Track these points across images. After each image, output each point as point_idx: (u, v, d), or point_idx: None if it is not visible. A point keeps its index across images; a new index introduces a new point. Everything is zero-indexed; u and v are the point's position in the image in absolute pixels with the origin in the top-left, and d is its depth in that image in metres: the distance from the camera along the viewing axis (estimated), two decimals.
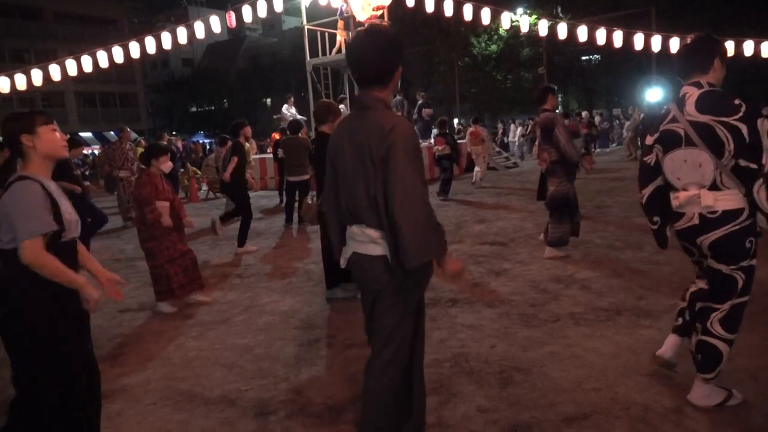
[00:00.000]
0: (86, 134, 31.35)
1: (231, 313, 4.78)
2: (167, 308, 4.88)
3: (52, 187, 2.26)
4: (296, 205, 8.76)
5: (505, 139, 21.89)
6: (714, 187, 2.53)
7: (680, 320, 2.99)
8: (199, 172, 15.07)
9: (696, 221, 2.61)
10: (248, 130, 7.45)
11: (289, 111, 14.19)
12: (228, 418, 2.98)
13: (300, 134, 8.94)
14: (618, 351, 3.43)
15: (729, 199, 2.52)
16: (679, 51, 2.85)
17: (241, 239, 7.10)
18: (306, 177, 8.71)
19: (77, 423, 2.32)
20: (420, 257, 2.01)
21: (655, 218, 2.88)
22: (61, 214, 2.22)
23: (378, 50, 2.10)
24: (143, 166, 5.00)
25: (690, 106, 2.57)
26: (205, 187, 14.61)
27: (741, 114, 2.44)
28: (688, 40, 2.83)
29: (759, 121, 2.44)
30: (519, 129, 21.81)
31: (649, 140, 2.77)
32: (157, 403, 3.23)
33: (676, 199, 2.67)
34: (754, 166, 2.44)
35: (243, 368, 3.61)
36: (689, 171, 2.59)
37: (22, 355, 2.22)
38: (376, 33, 2.13)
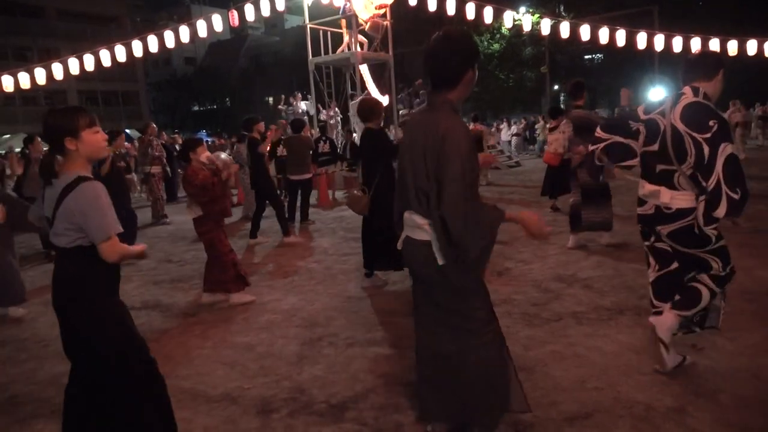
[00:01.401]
0: None
1: (233, 311, 4.79)
2: (243, 297, 4.93)
3: None
4: (297, 204, 8.78)
5: (501, 139, 21.83)
6: (672, 186, 2.83)
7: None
8: None
9: (652, 211, 2.95)
10: (261, 126, 7.68)
11: (300, 105, 14.24)
12: (230, 416, 2.99)
13: (302, 133, 8.94)
14: (620, 350, 3.44)
15: (683, 199, 2.81)
16: (689, 57, 3.08)
17: (284, 228, 7.43)
18: (308, 176, 8.73)
19: (149, 401, 2.40)
20: (478, 245, 2.13)
21: (605, 160, 3.19)
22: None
23: (448, 53, 2.19)
24: (183, 163, 5.03)
25: (677, 110, 2.79)
26: None
27: (709, 135, 2.65)
28: (696, 50, 3.05)
29: (722, 146, 2.63)
30: (513, 128, 21.81)
31: (642, 116, 3.01)
32: None
33: (643, 188, 3.00)
34: (704, 183, 2.68)
35: (245, 366, 3.61)
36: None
37: (96, 346, 2.27)
38: (447, 36, 2.22)
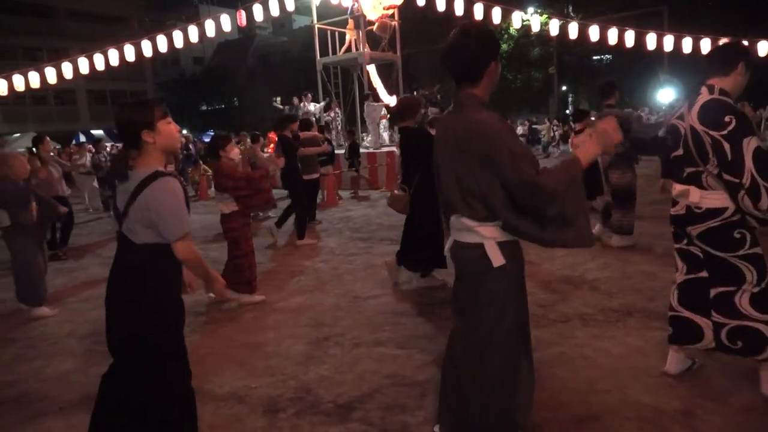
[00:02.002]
0: (98, 132, 31.51)
1: (241, 310, 4.80)
2: (251, 298, 4.95)
3: None
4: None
5: None
6: (701, 186, 2.77)
7: (671, 329, 3.03)
8: (209, 170, 15.13)
9: (683, 211, 2.87)
10: (295, 126, 7.69)
11: (311, 106, 14.27)
12: (237, 415, 3.00)
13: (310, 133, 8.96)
14: (628, 352, 3.42)
15: (713, 198, 2.74)
16: (708, 52, 3.01)
17: (300, 233, 7.38)
18: (316, 176, 8.74)
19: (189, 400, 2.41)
20: (576, 206, 2.03)
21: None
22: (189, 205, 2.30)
23: (469, 48, 2.15)
24: (209, 160, 5.06)
25: (694, 111, 2.75)
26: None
27: (726, 132, 2.59)
28: (719, 42, 2.98)
29: (745, 141, 2.56)
30: (519, 129, 21.75)
31: (667, 122, 3.05)
32: None
33: (674, 189, 2.94)
34: (736, 180, 2.59)
35: (252, 365, 3.62)
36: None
37: (143, 347, 2.24)
38: (467, 31, 2.18)
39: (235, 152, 4.99)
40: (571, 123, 18.58)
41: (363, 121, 15.53)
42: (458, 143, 2.15)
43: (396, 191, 5.05)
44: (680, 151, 2.83)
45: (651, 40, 11.18)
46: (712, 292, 2.82)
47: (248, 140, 8.67)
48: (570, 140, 9.17)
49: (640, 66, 27.30)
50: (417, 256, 5.03)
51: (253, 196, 4.85)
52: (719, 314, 2.79)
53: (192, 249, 2.22)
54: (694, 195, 2.78)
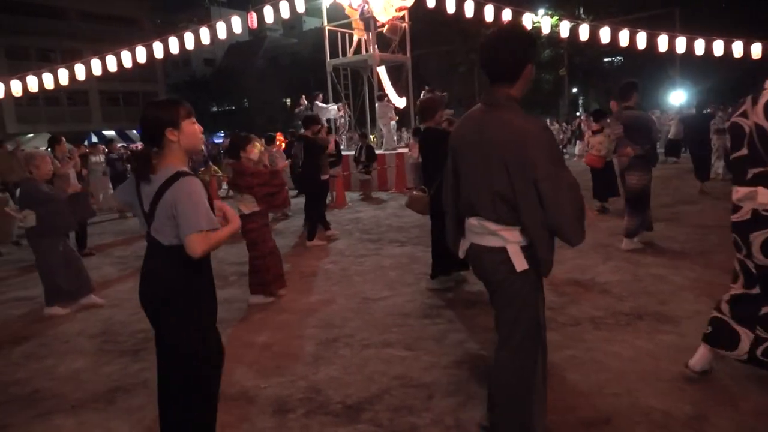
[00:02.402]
0: (109, 132, 31.79)
1: (250, 310, 4.82)
2: (259, 299, 4.98)
3: None
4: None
5: None
6: None
7: (711, 329, 2.95)
8: (220, 171, 15.20)
9: (748, 216, 2.65)
10: (316, 127, 7.72)
11: (330, 112, 14.33)
12: (247, 415, 3.01)
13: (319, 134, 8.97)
14: (638, 356, 3.39)
15: None
16: None
17: (311, 234, 7.43)
18: (325, 177, 8.74)
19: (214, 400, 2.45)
20: (581, 237, 2.12)
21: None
22: (213, 206, 2.28)
23: (508, 46, 2.14)
24: (232, 160, 5.09)
25: (759, 106, 2.58)
26: (225, 186, 14.73)
27: None
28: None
29: None
30: None
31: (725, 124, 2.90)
32: None
33: (737, 192, 2.71)
34: None
35: (262, 365, 3.64)
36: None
37: (177, 349, 2.30)
38: (508, 29, 2.21)
39: (255, 152, 5.02)
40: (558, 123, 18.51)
41: (373, 123, 15.53)
42: (499, 145, 2.10)
43: (416, 192, 5.06)
44: (744, 151, 2.64)
45: (663, 42, 11.10)
46: (764, 309, 2.72)
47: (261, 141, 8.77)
48: (586, 139, 9.10)
49: (652, 68, 27.12)
50: (448, 258, 5.01)
51: (278, 193, 4.91)
52: (764, 330, 2.72)
53: (200, 244, 2.11)
54: (764, 196, 2.57)
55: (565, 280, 5.06)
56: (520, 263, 2.14)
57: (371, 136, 15.69)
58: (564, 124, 25.17)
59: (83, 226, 7.87)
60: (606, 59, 32.91)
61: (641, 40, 11.22)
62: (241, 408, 3.08)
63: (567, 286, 4.87)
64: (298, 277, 5.86)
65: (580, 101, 35.83)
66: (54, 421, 3.10)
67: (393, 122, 14.50)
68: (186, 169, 2.22)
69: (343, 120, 15.32)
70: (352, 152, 13.17)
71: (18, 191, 5.74)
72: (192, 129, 2.23)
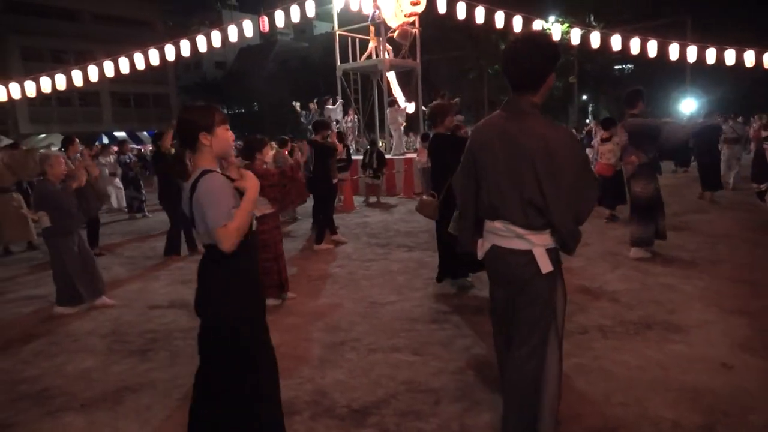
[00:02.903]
0: (120, 133, 32.04)
1: None
2: (270, 302, 4.99)
3: None
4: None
5: None
6: None
7: None
8: None
9: None
10: (326, 132, 7.81)
11: (332, 110, 14.35)
12: None
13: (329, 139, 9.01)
14: (647, 365, 3.38)
15: None
16: None
17: (319, 237, 7.48)
18: (334, 181, 8.77)
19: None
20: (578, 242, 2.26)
21: None
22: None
23: (534, 55, 2.17)
24: (246, 162, 5.13)
25: None
26: None
27: None
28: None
29: None
30: None
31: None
32: (185, 398, 3.28)
33: None
34: None
35: None
36: None
37: (221, 350, 2.34)
38: (533, 38, 2.23)
39: (269, 156, 5.07)
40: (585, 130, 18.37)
41: (382, 128, 15.55)
42: (529, 153, 2.13)
43: (425, 196, 5.07)
44: None
45: (674, 51, 11.07)
46: None
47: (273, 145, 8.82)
48: (596, 148, 9.07)
49: (663, 76, 27.03)
50: (456, 261, 5.01)
51: (290, 190, 4.93)
52: None
53: (229, 234, 2.15)
54: None
55: (573, 288, 5.04)
56: (546, 265, 2.21)
57: (380, 141, 15.71)
58: (573, 131, 25.08)
59: (94, 223, 7.92)
60: (616, 67, 32.84)
61: (652, 48, 11.19)
62: None
63: (575, 294, 4.85)
64: (306, 280, 5.88)
65: (590, 108, 35.74)
66: (63, 419, 3.13)
67: (401, 127, 14.54)
68: (214, 168, 2.27)
69: (351, 124, 15.34)
70: (360, 157, 13.18)
71: (32, 192, 5.82)
72: (225, 135, 2.31)
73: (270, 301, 4.98)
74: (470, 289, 5.15)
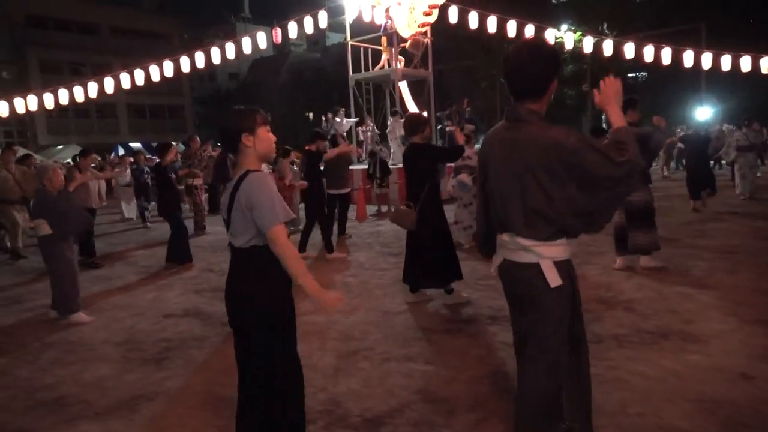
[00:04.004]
0: (136, 144, 32.42)
1: None
2: None
3: None
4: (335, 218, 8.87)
5: None
6: None
7: None
8: None
9: None
10: (323, 143, 7.88)
11: (343, 122, 14.42)
12: None
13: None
14: (664, 375, 3.33)
15: None
16: None
17: (302, 244, 7.49)
18: (347, 190, 8.81)
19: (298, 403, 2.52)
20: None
21: None
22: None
23: (534, 62, 2.13)
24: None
25: None
26: None
27: None
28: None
29: None
30: None
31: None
32: (198, 407, 3.30)
33: None
34: None
35: None
36: None
37: (264, 346, 2.37)
38: (533, 45, 2.21)
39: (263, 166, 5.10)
40: None
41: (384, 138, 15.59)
42: (528, 161, 2.09)
43: (402, 207, 5.07)
44: None
45: (688, 58, 10.99)
46: None
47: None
48: None
49: (677, 83, 26.83)
50: (431, 269, 5.02)
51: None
52: None
53: (284, 241, 2.21)
54: None
55: (588, 296, 4.99)
56: (554, 279, 2.12)
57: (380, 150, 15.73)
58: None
59: (87, 234, 7.96)
60: (630, 75, 32.63)
61: (666, 55, 11.11)
62: None
63: (590, 303, 4.81)
64: None
65: (603, 117, 35.54)
66: (79, 427, 3.15)
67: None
68: (257, 169, 2.31)
69: (370, 133, 15.39)
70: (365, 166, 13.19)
71: (31, 202, 6.01)
72: (267, 135, 2.35)
73: None
74: (428, 302, 5.13)
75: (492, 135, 2.34)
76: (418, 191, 4.90)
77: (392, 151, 14.36)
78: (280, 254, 2.23)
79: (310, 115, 43.28)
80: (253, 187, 2.21)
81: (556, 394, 2.22)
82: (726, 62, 10.58)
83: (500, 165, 2.21)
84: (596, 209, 2.11)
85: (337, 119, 14.48)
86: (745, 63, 10.44)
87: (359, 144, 15.41)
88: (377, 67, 15.49)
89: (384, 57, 15.32)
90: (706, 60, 10.81)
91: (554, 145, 2.04)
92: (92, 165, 9.22)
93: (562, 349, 2.20)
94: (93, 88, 10.70)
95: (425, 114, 14.85)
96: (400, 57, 14.85)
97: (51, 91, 10.37)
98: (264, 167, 5.17)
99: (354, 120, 15.29)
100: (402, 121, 13.85)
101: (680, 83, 26.59)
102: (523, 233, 2.15)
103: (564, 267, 2.16)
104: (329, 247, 7.49)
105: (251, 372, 2.42)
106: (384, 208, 12.07)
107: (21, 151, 13.63)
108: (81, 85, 10.67)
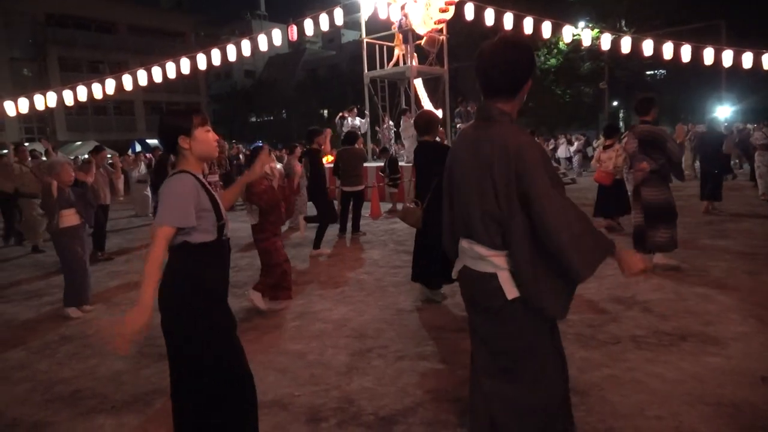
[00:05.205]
0: (152, 141, 32.78)
1: (285, 318, 4.86)
2: (280, 305, 5.11)
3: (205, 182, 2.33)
4: (349, 215, 8.89)
5: (556, 155, 21.35)
6: None
7: None
8: None
9: None
10: (322, 138, 7.90)
11: (356, 120, 14.43)
12: (280, 423, 3.02)
13: (356, 145, 9.06)
14: (683, 378, 3.28)
15: None
16: None
17: (317, 242, 7.53)
18: (360, 187, 8.81)
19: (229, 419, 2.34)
20: (592, 265, 1.91)
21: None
22: (219, 207, 2.31)
23: (509, 59, 2.02)
24: (247, 170, 5.20)
25: None
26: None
27: None
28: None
29: None
30: (575, 144, 21.23)
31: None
32: None
33: None
34: None
35: (295, 374, 3.66)
36: None
37: (184, 352, 2.29)
38: (509, 42, 2.07)
39: (268, 165, 5.09)
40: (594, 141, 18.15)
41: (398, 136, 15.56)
42: (487, 161, 1.96)
43: (408, 204, 5.06)
44: None
45: (708, 55, 10.80)
46: None
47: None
48: (597, 155, 8.75)
49: (697, 81, 26.44)
50: (429, 270, 5.00)
51: (269, 212, 4.95)
52: None
53: (158, 242, 2.13)
54: None
55: (605, 297, 4.94)
56: (511, 290, 1.98)
57: (396, 149, 15.71)
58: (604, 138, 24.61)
59: (100, 227, 8.04)
60: (648, 72, 32.22)
61: (686, 52, 10.94)
62: (274, 415, 3.10)
63: (606, 303, 4.76)
64: (333, 286, 5.89)
65: (621, 115, 35.13)
66: (95, 420, 3.18)
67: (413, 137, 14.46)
68: (192, 171, 2.26)
69: (387, 132, 15.38)
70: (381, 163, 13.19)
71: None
72: (205, 137, 2.28)
73: (272, 304, 5.04)
74: (438, 302, 5.07)
75: (462, 134, 2.23)
76: (427, 189, 4.88)
77: (406, 148, 14.32)
78: (148, 252, 2.16)
79: (325, 112, 43.43)
80: (164, 185, 2.20)
81: (547, 408, 2.09)
82: (747, 59, 10.39)
83: (464, 167, 2.09)
84: (554, 246, 1.89)
85: (349, 119, 14.48)
86: (767, 60, 10.25)
87: (376, 142, 15.39)
88: (390, 64, 15.46)
89: (396, 53, 15.28)
90: (727, 57, 10.62)
91: (510, 148, 1.91)
92: (109, 162, 9.33)
93: (539, 362, 2.06)
94: (111, 86, 10.80)
95: (440, 112, 14.84)
96: (414, 54, 14.79)
97: (70, 88, 10.48)
98: (277, 166, 5.18)
99: (367, 119, 15.24)
100: (406, 117, 13.92)
101: (700, 81, 26.19)
102: (481, 240, 2.02)
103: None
104: (317, 243, 7.54)
105: (176, 383, 2.34)
106: (400, 206, 12.05)
107: (41, 147, 13.83)
108: (99, 82, 10.78)
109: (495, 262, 2.01)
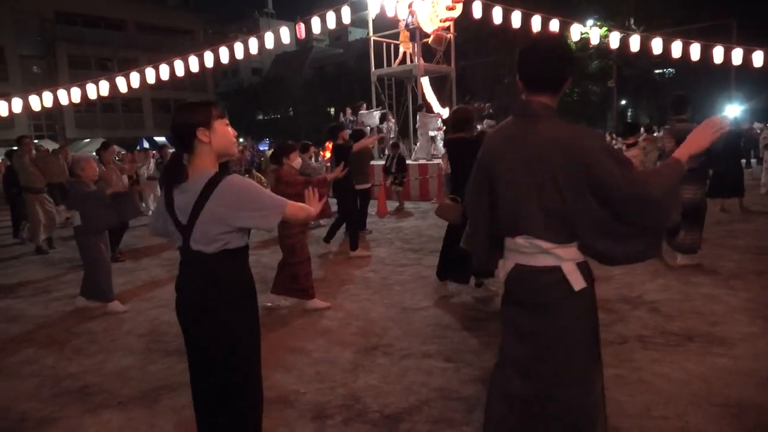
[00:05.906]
0: (160, 138, 32.93)
1: (291, 316, 4.88)
2: (320, 304, 5.09)
3: None
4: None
5: None
6: None
7: None
8: (263, 178, 15.51)
9: None
10: (346, 134, 7.90)
11: (364, 113, 14.42)
12: (286, 420, 3.04)
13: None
14: (689, 378, 3.27)
15: None
16: None
17: (353, 243, 7.40)
18: (368, 185, 8.82)
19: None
20: (677, 207, 2.00)
21: None
22: None
23: (556, 56, 2.05)
24: (275, 167, 5.20)
25: None
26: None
27: None
28: None
29: None
30: None
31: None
32: None
33: None
34: None
35: (301, 371, 3.67)
36: None
37: (227, 362, 2.15)
38: (553, 40, 2.17)
39: (297, 161, 5.12)
40: (614, 137, 18.00)
41: (415, 133, 15.55)
42: (541, 156, 1.95)
43: (447, 200, 5.03)
44: None
45: (718, 54, 10.73)
46: None
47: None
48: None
49: (706, 80, 26.26)
50: (465, 265, 4.96)
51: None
52: None
53: (296, 208, 2.20)
54: None
55: (611, 297, 4.92)
56: (577, 281, 1.97)
57: (413, 146, 15.71)
58: (613, 135, 24.56)
59: (121, 228, 8.06)
60: (657, 71, 32.04)
61: (695, 51, 10.87)
62: (280, 412, 3.12)
63: (614, 303, 4.74)
64: (339, 284, 5.90)
65: (629, 114, 34.96)
66: (103, 416, 3.21)
67: (441, 132, 14.41)
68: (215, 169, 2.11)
69: (393, 128, 15.37)
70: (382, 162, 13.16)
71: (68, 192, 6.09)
72: (224, 130, 2.13)
73: (310, 304, 5.03)
74: (487, 300, 5.02)
75: (499, 132, 2.20)
76: (463, 186, 4.82)
77: (419, 145, 14.30)
78: (296, 216, 2.22)
79: (332, 110, 43.47)
80: (238, 187, 2.04)
81: (591, 411, 2.05)
82: (758, 58, 10.30)
83: (513, 164, 2.06)
84: (625, 230, 1.93)
85: (362, 112, 14.44)
86: None
87: (381, 139, 15.39)
88: (396, 61, 15.46)
89: (401, 50, 15.27)
90: (737, 56, 10.54)
91: (574, 143, 1.92)
92: (116, 159, 9.39)
93: (589, 357, 2.05)
94: (119, 83, 10.86)
95: (447, 110, 14.81)
96: (409, 45, 14.76)
97: (79, 86, 10.55)
98: (299, 160, 5.16)
99: (378, 112, 15.20)
100: (423, 113, 13.88)
101: (710, 80, 26.01)
102: (541, 235, 1.99)
103: (586, 268, 2.03)
104: (354, 244, 7.46)
105: (203, 390, 2.20)
106: (407, 204, 12.05)
107: (51, 145, 13.93)
108: (108, 79, 10.84)
109: (558, 254, 1.99)
